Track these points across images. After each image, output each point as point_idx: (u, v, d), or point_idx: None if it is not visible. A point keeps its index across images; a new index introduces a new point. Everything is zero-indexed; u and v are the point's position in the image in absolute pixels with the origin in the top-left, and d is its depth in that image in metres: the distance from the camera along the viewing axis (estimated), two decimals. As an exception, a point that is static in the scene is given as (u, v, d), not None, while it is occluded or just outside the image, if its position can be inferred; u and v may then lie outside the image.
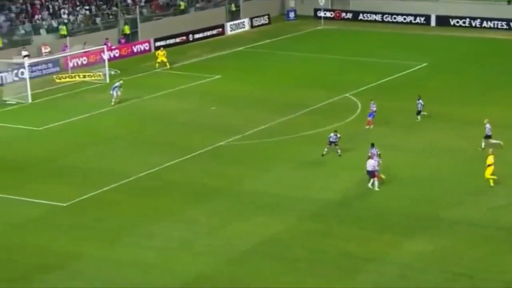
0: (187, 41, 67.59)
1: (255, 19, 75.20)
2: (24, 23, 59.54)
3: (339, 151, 38.96)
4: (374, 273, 27.58)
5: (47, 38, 59.85)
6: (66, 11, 63.02)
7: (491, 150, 35.70)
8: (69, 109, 47.78)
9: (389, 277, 27.31)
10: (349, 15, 77.03)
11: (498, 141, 39.40)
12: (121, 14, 65.70)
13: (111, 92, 48.18)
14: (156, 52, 59.37)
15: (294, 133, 42.30)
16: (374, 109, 43.19)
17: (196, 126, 43.85)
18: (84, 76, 54.56)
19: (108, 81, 54.13)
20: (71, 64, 57.20)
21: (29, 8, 61.24)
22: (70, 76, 54.08)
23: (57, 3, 63.52)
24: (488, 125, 39.15)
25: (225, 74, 56.45)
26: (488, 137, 39.15)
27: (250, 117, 45.26)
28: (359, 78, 53.88)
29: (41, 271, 27.73)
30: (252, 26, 74.63)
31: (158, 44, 64.18)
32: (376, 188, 34.62)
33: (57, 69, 56.84)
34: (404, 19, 74.80)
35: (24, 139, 42.40)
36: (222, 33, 71.40)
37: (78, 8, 64.25)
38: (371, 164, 34.56)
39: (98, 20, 64.70)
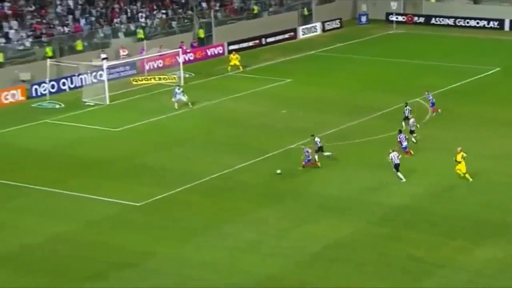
0: (260, 44, 67.85)
1: (327, 23, 74.95)
2: (103, 26, 60.82)
3: (413, 139, 40.20)
4: (442, 278, 27.25)
5: (125, 41, 60.96)
6: (144, 15, 64.06)
7: (459, 148, 35.25)
8: (145, 110, 48.57)
9: (457, 283, 26.95)
10: (421, 19, 76.07)
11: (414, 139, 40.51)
12: (196, 18, 66.42)
13: (173, 99, 48.55)
14: (230, 56, 59.81)
15: (364, 137, 42.06)
16: (431, 97, 45.48)
17: (267, 129, 44.02)
18: (160, 79, 55.36)
19: (182, 83, 54.80)
20: (147, 67, 58.11)
21: (108, 12, 62.52)
22: (146, 79, 54.97)
23: (135, 7, 64.65)
24: (412, 119, 40.98)
25: (296, 77, 56.48)
26: (412, 132, 40.72)
27: (320, 121, 45.18)
28: (431, 83, 53.04)
29: (116, 268, 28.31)
30: (324, 30, 74.42)
31: (231, 47, 64.64)
32: (403, 179, 35.70)
33: (134, 71, 57.84)
34: (477, 23, 73.43)
35: (101, 140, 43.28)
36: (294, 37, 71.41)
37: (155, 12, 65.25)
38: (396, 156, 35.86)
39: (174, 24, 65.55)
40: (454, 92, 51.40)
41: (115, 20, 62.16)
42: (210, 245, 29.96)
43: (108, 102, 50.39)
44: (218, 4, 69.80)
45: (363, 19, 77.85)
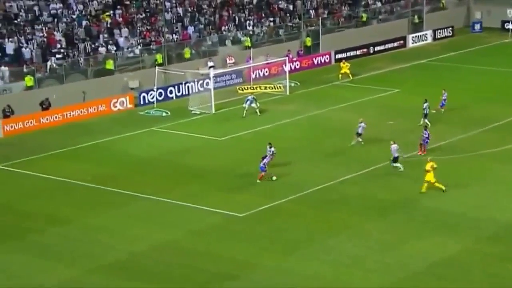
0: (368, 53, 67.44)
1: (439, 31, 73.72)
2: (211, 34, 61.90)
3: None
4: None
5: (232, 49, 61.79)
6: (251, 23, 64.81)
7: (429, 158, 34.92)
8: (250, 120, 49.05)
9: None
10: (542, 27, 73.63)
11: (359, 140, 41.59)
12: (304, 26, 66.70)
13: (244, 105, 49.21)
14: (340, 64, 59.68)
15: (477, 150, 41.15)
16: (445, 97, 46.80)
17: (373, 140, 43.66)
18: (265, 88, 55.89)
19: (288, 93, 55.14)
20: (253, 76, 58.71)
21: (216, 19, 63.60)
22: (251, 88, 55.59)
23: (243, 15, 65.51)
24: (362, 124, 41.79)
25: (404, 87, 55.82)
26: (359, 135, 42.03)
27: (429, 132, 44.34)
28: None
29: (219, 279, 28.71)
30: (435, 38, 73.22)
31: (338, 56, 64.55)
32: (401, 169, 37.53)
33: (240, 80, 58.57)
34: None
35: (206, 149, 44.01)
36: (404, 45, 70.58)
37: (262, 20, 65.90)
38: (395, 149, 37.87)
39: (281, 32, 66.03)
40: None
41: (222, 28, 63.18)
42: (314, 258, 29.98)
43: (214, 111, 51.21)
44: (326, 12, 69.85)
45: (477, 27, 76.11)
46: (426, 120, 44.90)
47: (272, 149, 38.63)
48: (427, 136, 40.89)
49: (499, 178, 37.55)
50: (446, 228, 32.26)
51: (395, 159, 38.53)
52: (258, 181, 37.32)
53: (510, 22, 73.44)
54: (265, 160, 37.64)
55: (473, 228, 32.20)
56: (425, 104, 45.35)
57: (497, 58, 64.13)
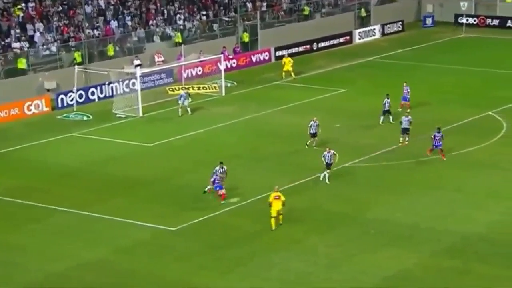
0: (311, 50, 67.97)
1: (387, 25, 74.78)
2: (137, 29, 61.43)
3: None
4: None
5: (161, 46, 61.49)
6: (182, 17, 64.59)
7: (276, 187, 33.90)
8: (182, 123, 48.88)
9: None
10: (496, 22, 75.49)
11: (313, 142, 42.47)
12: (240, 21, 66.80)
13: (179, 102, 49.96)
14: (283, 60, 59.94)
15: (433, 154, 41.64)
16: (407, 91, 47.97)
17: (319, 145, 43.88)
18: (199, 88, 55.76)
19: (224, 93, 55.13)
20: (185, 75, 58.52)
21: (143, 13, 63.18)
22: (183, 88, 55.38)
23: (172, 8, 65.25)
24: (314, 122, 42.61)
25: (352, 87, 56.42)
26: (313, 135, 42.92)
27: (379, 136, 44.97)
28: (506, 95, 52.58)
29: (149, 300, 28.48)
30: (383, 34, 74.23)
31: (279, 53, 64.86)
32: (327, 181, 37.80)
33: (170, 79, 58.34)
34: (560, 26, 72.55)
35: (134, 156, 43.64)
36: (350, 41, 71.39)
37: (194, 14, 65.76)
38: (329, 155, 38.19)
39: (215, 27, 66.01)
40: (534, 105, 50.80)
41: (150, 23, 62.81)
42: (254, 276, 29.94)
43: (141, 114, 50.86)
44: (264, 5, 70.12)
45: (429, 21, 77.47)
46: (390, 117, 46.06)
47: (224, 168, 37.53)
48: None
49: (455, 186, 38.16)
50: (399, 241, 32.58)
51: (328, 166, 38.62)
52: (222, 202, 36.79)
53: (464, 16, 74.95)
54: (214, 179, 36.76)
55: (428, 240, 32.60)
56: (386, 100, 46.22)
57: (451, 55, 65.37)
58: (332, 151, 38.62)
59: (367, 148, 42.64)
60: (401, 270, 30.13)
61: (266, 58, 65.06)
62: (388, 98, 46.76)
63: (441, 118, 47.65)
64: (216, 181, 36.67)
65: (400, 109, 47.62)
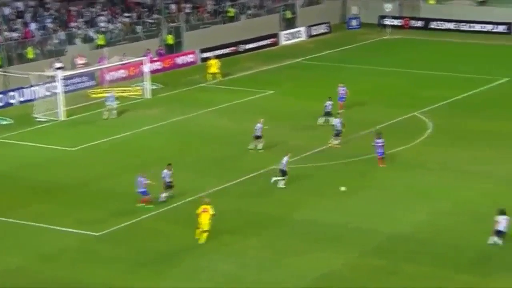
0: (237, 52, 68.12)
1: (313, 27, 75.46)
2: (58, 31, 60.66)
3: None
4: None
5: (83, 49, 60.85)
6: (104, 19, 64.03)
7: (206, 199, 33.41)
8: (106, 127, 48.47)
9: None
10: (419, 23, 76.84)
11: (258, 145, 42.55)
12: (164, 22, 66.54)
13: (107, 103, 49.91)
14: (209, 62, 59.91)
15: (356, 156, 42.19)
16: (343, 91, 48.50)
17: (245, 147, 44.02)
18: (123, 91, 55.31)
19: (149, 96, 54.84)
20: (108, 78, 58.04)
21: (63, 15, 62.40)
22: (106, 91, 54.82)
23: (94, 10, 64.63)
24: (259, 125, 42.64)
25: (279, 89, 56.73)
26: (258, 137, 42.74)
27: (307, 137, 45.30)
28: (430, 95, 53.59)
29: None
30: (309, 36, 74.88)
31: (204, 55, 64.82)
32: (282, 185, 37.76)
33: (93, 82, 57.79)
34: (482, 27, 74.25)
35: (56, 161, 43.09)
36: (276, 43, 71.80)
37: (117, 16, 65.25)
38: (285, 161, 38.16)
39: (138, 28, 65.62)
40: (458, 105, 51.83)
41: (71, 25, 62.07)
42: (183, 280, 29.81)
43: (63, 118, 50.24)
44: (189, 7, 70.00)
45: (354, 23, 78.45)
46: (329, 118, 46.35)
47: (171, 171, 37.27)
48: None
49: (382, 185, 38.70)
50: (327, 241, 32.87)
51: (282, 172, 38.58)
52: (142, 205, 36.45)
53: (388, 18, 76.12)
54: (143, 181, 36.46)
55: (357, 240, 32.96)
56: (328, 102, 46.91)
57: (376, 56, 66.31)
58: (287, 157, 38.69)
59: (296, 150, 42.82)
60: (330, 270, 30.40)
61: (192, 60, 64.97)
62: (330, 101, 47.21)
63: (367, 119, 48.35)
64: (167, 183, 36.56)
65: (340, 111, 47.51)
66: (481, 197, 36.86)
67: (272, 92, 56.03)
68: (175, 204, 36.68)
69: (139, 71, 57.65)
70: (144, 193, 36.35)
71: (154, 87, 56.76)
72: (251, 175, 40.04)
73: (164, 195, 36.90)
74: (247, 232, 33.82)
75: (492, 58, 64.98)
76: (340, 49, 69.62)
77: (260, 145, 43.34)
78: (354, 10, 79.69)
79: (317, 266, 30.74)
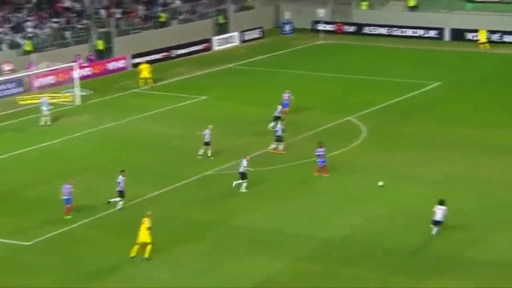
0: (169, 57, 67.87)
1: (246, 32, 75.62)
2: (-17, 37, 59.73)
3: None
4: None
5: (9, 55, 59.84)
6: (32, 24, 63.13)
7: (148, 212, 32.80)
8: (36, 134, 47.76)
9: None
10: (352, 28, 77.59)
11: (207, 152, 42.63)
12: (94, 28, 65.90)
13: (43, 108, 49.35)
14: (140, 67, 59.55)
15: (291, 161, 42.34)
16: (287, 97, 48.64)
17: (180, 153, 43.87)
18: (52, 98, 54.53)
19: (79, 102, 54.24)
20: (36, 84, 57.23)
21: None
22: (35, 98, 54.01)
23: (21, 15, 63.69)
24: (208, 131, 42.68)
25: (212, 94, 56.64)
26: (207, 143, 42.71)
27: (242, 143, 45.28)
28: (363, 99, 54.10)
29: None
30: (242, 41, 75.02)
31: (136, 60, 64.41)
32: (243, 190, 37.94)
33: (21, 89, 56.92)
34: (414, 32, 75.30)
35: (-17, 169, 42.34)
36: (209, 48, 71.76)
37: (45, 21, 64.39)
38: (244, 163, 38.29)
39: (67, 34, 64.88)
40: (391, 110, 52.40)
41: (-3, 30, 61.15)
42: (117, 289, 29.53)
43: (-10, 125, 49.45)
44: (119, 12, 69.48)
45: (287, 28, 78.86)
46: (272, 123, 46.57)
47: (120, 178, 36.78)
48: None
49: (319, 191, 38.90)
50: (263, 247, 32.88)
51: (241, 175, 38.62)
52: (68, 217, 35.87)
53: (321, 23, 76.74)
54: (68, 189, 35.96)
55: (294, 245, 33.05)
56: (279, 107, 47.53)
57: (309, 61, 66.71)
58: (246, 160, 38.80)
59: (231, 155, 42.83)
60: (268, 276, 30.43)
61: (123, 65, 64.49)
62: (280, 105, 47.62)
63: (302, 124, 48.57)
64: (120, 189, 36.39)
65: (282, 116, 47.67)
66: (415, 200, 37.32)
67: (205, 97, 55.93)
68: (109, 212, 36.25)
69: (69, 77, 56.97)
70: (67, 200, 35.82)
71: (84, 93, 56.16)
72: (186, 181, 39.89)
73: (119, 202, 36.61)
74: (183, 239, 33.65)
75: (424, 63, 65.93)
76: (273, 54, 69.91)
77: (209, 152, 43.07)
78: (287, 15, 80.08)
79: (254, 271, 30.73)
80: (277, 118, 46.81)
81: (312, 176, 40.32)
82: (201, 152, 43.17)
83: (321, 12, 75.83)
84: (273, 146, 43.88)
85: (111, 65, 63.85)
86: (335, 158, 42.50)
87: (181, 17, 73.99)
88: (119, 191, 36.63)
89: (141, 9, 71.52)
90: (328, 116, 50.16)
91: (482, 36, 69.36)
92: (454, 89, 57.33)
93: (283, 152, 43.54)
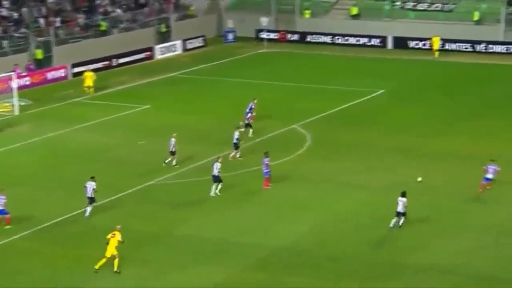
0: (110, 66, 67.63)
1: (189, 41, 75.70)
2: None
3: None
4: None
5: None
6: (-32, 33, 62.50)
7: (118, 226, 32.43)
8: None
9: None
10: (296, 37, 78.16)
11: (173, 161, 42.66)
12: (33, 37, 65.33)
13: None
14: (84, 75, 59.28)
15: (235, 170, 42.46)
16: (252, 106, 49.15)
17: (122, 163, 43.71)
18: (-11, 108, 54.07)
19: (17, 113, 53.71)
20: (-27, 94, 56.59)
21: None
22: (-28, 108, 53.51)
23: (-46, 23, 63.00)
24: (173, 139, 42.90)
25: (155, 103, 56.56)
26: (172, 153, 42.81)
27: (185, 152, 45.23)
28: (308, 108, 54.48)
29: None
30: (185, 49, 75.08)
31: (76, 70, 64.07)
32: (216, 193, 38.82)
33: (-44, 99, 56.19)
34: (358, 41, 76.15)
35: None
36: (151, 57, 71.67)
37: (-19, 30, 63.79)
38: (217, 167, 38.90)
39: (5, 43, 64.22)
40: (335, 118, 52.87)
41: None
42: (58, 302, 29.37)
43: None
44: (58, 20, 69.00)
45: (230, 36, 79.13)
46: (250, 130, 47.94)
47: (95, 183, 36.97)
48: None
49: (263, 199, 39.09)
50: (209, 257, 32.95)
51: (216, 179, 39.13)
52: (7, 227, 35.45)
53: (265, 31, 77.18)
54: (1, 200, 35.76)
55: (238, 254, 33.17)
56: (249, 114, 48.70)
57: (254, 70, 67.04)
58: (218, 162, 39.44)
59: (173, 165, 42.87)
60: (213, 285, 30.47)
61: (63, 75, 64.07)
62: (251, 112, 48.72)
63: (246, 133, 48.73)
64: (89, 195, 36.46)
65: (241, 123, 48.37)
66: (360, 207, 37.77)
67: (148, 106, 55.82)
68: (49, 223, 36.00)
69: (7, 87, 56.37)
70: (2, 212, 35.44)
71: (23, 103, 55.63)
72: (128, 191, 39.74)
73: (89, 209, 36.69)
74: (126, 250, 33.38)
75: (367, 71, 66.66)
76: (216, 62, 70.08)
77: (174, 161, 42.98)
78: (230, 23, 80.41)
79: (199, 281, 30.80)
80: (248, 125, 47.95)
81: (256, 185, 40.48)
82: (167, 161, 43.07)
83: (264, 21, 76.22)
84: (233, 153, 44.02)
85: (51, 75, 63.41)
86: (281, 166, 42.74)
87: (122, 25, 73.76)
88: (88, 197, 36.68)
89: (81, 18, 71.10)
90: (273, 124, 50.44)
91: (435, 44, 70.40)
92: (397, 97, 58.10)
93: (240, 158, 43.65)
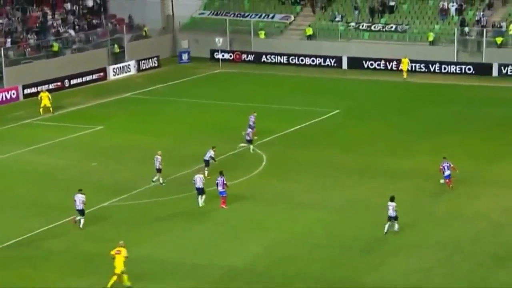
0: (63, 87, 67.40)
1: (143, 61, 75.76)
2: None
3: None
4: None
5: None
6: None
7: (121, 242, 32.96)
8: None
9: None
10: (251, 57, 78.53)
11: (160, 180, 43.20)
12: (-18, 57, 64.98)
13: None
14: (39, 95, 59.06)
15: (190, 191, 42.40)
16: (253, 119, 51.04)
17: (74, 185, 43.27)
18: None
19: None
20: None
21: None
22: None
23: None
24: (158, 157, 43.29)
25: (108, 124, 56.43)
26: (158, 170, 43.18)
27: (138, 173, 45.20)
28: (264, 128, 54.50)
29: None
30: (139, 70, 75.10)
31: (27, 91, 63.78)
32: (200, 205, 40.06)
33: None
34: (313, 61, 76.70)
35: None
36: (104, 77, 71.54)
37: None
38: (200, 179, 40.05)
39: (-47, 64, 63.79)
40: (291, 138, 53.11)
41: None
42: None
43: None
44: (9, 41, 68.59)
45: (184, 57, 79.32)
46: (250, 146, 49.11)
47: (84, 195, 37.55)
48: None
49: (218, 219, 39.12)
50: (163, 278, 32.91)
51: (200, 191, 40.02)
52: None
53: (220, 52, 77.49)
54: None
55: (193, 275, 33.19)
56: (249, 130, 50.13)
57: (208, 90, 67.12)
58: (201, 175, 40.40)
59: (127, 186, 42.73)
60: (167, 307, 30.49)
61: (14, 96, 63.68)
62: (250, 128, 50.05)
63: (201, 153, 48.75)
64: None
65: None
66: (315, 226, 37.98)
67: (101, 127, 55.65)
68: (0, 246, 35.69)
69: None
70: None
71: (-28, 125, 55.28)
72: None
73: (82, 221, 37.42)
74: (78, 273, 33.34)
75: (323, 90, 67.07)
76: (170, 83, 70.13)
77: (161, 179, 43.08)
78: (184, 44, 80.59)
79: (153, 303, 30.75)
80: (249, 142, 49.03)
81: (212, 205, 40.53)
82: (155, 178, 43.16)
83: (219, 41, 76.51)
84: (206, 172, 43.92)
85: (2, 96, 63.01)
86: (236, 187, 42.80)
87: (74, 46, 73.56)
88: (78, 210, 37.41)
89: (32, 39, 70.77)
90: (228, 145, 50.53)
91: (404, 65, 70.80)
92: (353, 117, 58.53)
93: (208, 177, 43.43)
